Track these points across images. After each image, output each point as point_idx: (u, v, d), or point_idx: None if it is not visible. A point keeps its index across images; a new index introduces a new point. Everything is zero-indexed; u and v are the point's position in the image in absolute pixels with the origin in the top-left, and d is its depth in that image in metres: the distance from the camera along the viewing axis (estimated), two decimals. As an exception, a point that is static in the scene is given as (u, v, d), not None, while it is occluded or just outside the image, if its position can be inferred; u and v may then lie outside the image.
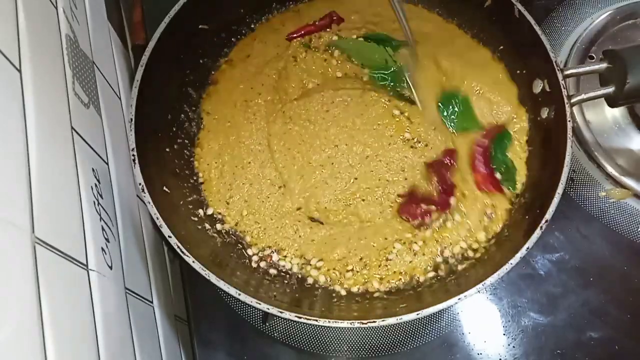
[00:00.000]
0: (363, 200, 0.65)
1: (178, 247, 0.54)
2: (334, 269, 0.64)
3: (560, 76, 0.61)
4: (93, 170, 0.53)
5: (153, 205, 0.55)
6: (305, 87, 0.71)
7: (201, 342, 0.66)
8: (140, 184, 0.56)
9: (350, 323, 0.52)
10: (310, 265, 0.64)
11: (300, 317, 0.52)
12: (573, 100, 0.60)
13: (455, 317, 0.68)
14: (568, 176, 0.57)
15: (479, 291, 0.53)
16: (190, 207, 0.65)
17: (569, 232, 0.71)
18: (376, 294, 0.62)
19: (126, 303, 0.54)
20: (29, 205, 0.38)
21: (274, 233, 0.66)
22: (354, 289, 0.62)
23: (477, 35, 0.74)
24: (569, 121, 0.59)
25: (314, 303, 0.60)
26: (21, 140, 0.39)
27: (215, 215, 0.66)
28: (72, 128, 0.50)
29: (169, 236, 0.54)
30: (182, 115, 0.69)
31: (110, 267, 0.51)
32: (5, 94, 0.39)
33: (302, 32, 0.74)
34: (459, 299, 0.53)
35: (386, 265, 0.63)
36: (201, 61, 0.72)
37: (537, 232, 0.55)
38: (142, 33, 0.81)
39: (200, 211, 0.65)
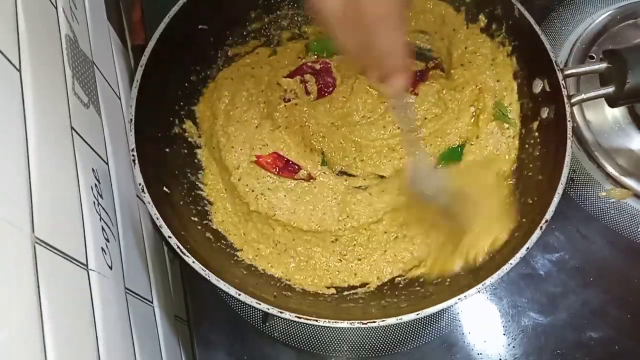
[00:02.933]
0: None
1: (178, 247, 0.54)
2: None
3: (560, 76, 0.60)
4: (93, 170, 0.53)
5: (153, 205, 0.55)
6: None
7: (201, 342, 0.66)
8: (140, 184, 0.56)
9: (350, 323, 0.52)
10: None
11: (300, 317, 0.52)
12: (573, 100, 0.60)
13: (455, 317, 0.68)
14: (568, 176, 0.57)
15: (479, 291, 0.53)
16: (191, 207, 0.65)
17: (569, 232, 0.71)
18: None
19: (126, 303, 0.53)
20: (29, 205, 0.38)
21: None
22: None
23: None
24: (569, 121, 0.59)
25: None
26: (21, 140, 0.39)
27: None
28: (72, 128, 0.50)
29: (169, 236, 0.54)
30: (182, 115, 0.69)
31: (110, 267, 0.51)
32: (5, 94, 0.39)
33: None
34: (459, 299, 0.53)
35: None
36: (201, 61, 0.72)
37: (537, 232, 0.55)
38: (142, 33, 0.81)
39: (201, 211, 0.65)
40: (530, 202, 0.62)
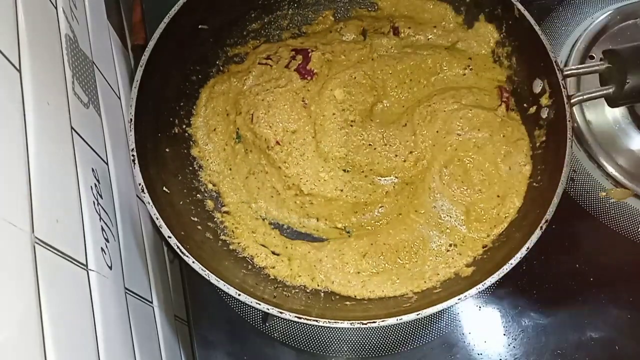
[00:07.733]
0: None
1: (178, 247, 0.54)
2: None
3: (560, 76, 0.60)
4: (93, 170, 0.53)
5: (153, 206, 0.55)
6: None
7: (201, 342, 0.66)
8: (140, 184, 0.56)
9: (350, 323, 0.52)
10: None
11: (300, 317, 0.52)
12: (573, 100, 0.60)
13: (455, 317, 0.68)
14: (568, 176, 0.57)
15: (479, 291, 0.53)
16: (191, 207, 0.65)
17: (569, 232, 0.71)
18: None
19: (126, 303, 0.53)
20: (29, 205, 0.38)
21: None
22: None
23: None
24: (569, 121, 0.59)
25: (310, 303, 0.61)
26: (21, 140, 0.39)
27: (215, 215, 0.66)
28: (72, 128, 0.50)
29: (168, 236, 0.54)
30: (182, 115, 0.69)
31: (110, 267, 0.51)
32: (5, 94, 0.39)
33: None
34: (459, 299, 0.53)
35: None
36: (201, 61, 0.72)
37: (537, 232, 0.55)
38: (142, 33, 0.81)
39: (200, 211, 0.65)
40: (531, 202, 0.62)
